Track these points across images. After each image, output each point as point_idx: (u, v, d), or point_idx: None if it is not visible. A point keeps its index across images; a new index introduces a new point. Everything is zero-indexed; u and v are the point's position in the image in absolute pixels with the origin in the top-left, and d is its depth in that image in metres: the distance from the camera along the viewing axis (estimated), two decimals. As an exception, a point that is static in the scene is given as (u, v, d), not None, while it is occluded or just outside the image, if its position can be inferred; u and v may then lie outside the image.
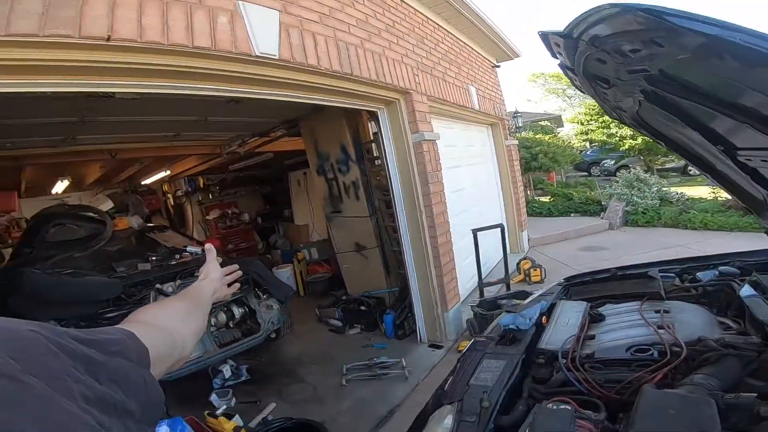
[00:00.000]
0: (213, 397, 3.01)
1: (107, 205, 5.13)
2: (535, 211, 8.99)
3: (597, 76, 1.44)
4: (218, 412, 2.63)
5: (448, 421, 1.32)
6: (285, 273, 5.97)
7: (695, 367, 1.21)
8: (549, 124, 15.81)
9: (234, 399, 3.06)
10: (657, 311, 1.62)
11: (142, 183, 7.61)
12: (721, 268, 1.84)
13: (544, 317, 1.87)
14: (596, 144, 15.64)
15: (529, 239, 6.85)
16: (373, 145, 4.04)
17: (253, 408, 2.93)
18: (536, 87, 29.43)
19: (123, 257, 3.83)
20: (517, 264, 5.04)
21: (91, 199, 5.42)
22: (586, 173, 16.36)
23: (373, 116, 3.60)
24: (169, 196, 8.26)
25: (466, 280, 4.40)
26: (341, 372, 3.29)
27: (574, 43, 1.25)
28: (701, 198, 8.12)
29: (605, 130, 13.79)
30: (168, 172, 7.02)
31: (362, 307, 4.34)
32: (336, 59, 2.68)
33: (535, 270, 4.88)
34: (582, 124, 15.50)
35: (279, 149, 5.72)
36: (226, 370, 3.39)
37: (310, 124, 4.38)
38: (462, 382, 1.53)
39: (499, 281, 4.10)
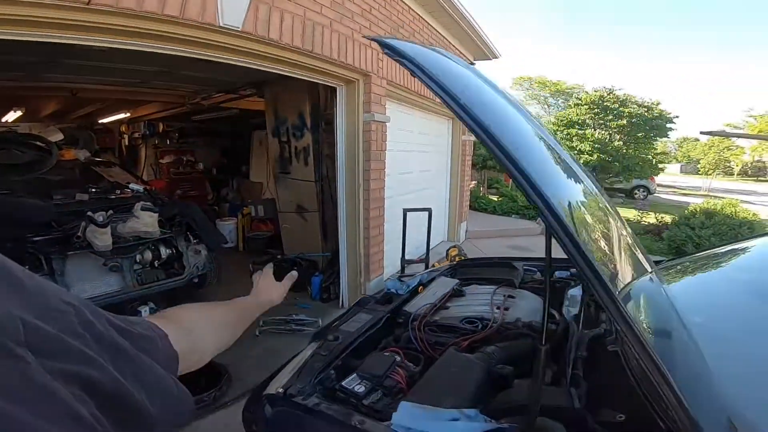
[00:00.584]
0: None
1: (57, 137, 5.03)
2: (481, 206, 9.52)
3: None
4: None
5: (308, 353, 1.63)
6: (228, 226, 6.12)
7: (497, 340, 1.58)
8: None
9: None
10: (505, 295, 1.99)
11: (99, 122, 7.41)
12: (573, 270, 2.23)
13: (420, 287, 2.22)
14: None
15: (467, 231, 7.31)
16: (332, 117, 4.23)
17: None
18: (520, 90, 30.12)
19: (63, 186, 3.84)
20: (447, 250, 5.44)
21: (42, 130, 5.28)
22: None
23: (332, 91, 3.78)
24: (125, 136, 8.08)
25: (396, 257, 4.74)
26: (257, 323, 3.53)
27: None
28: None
29: (567, 142, 14.54)
30: (128, 115, 6.92)
31: (294, 267, 4.61)
32: (299, 36, 2.84)
33: (460, 257, 5.30)
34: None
35: (245, 107, 5.79)
36: (145, 312, 3.40)
37: (274, 88, 4.50)
38: (334, 327, 1.86)
39: (420, 261, 4.47)
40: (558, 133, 15.04)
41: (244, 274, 4.94)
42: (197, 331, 0.56)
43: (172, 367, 0.43)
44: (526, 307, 1.88)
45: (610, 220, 1.66)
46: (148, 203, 3.39)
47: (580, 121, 14.09)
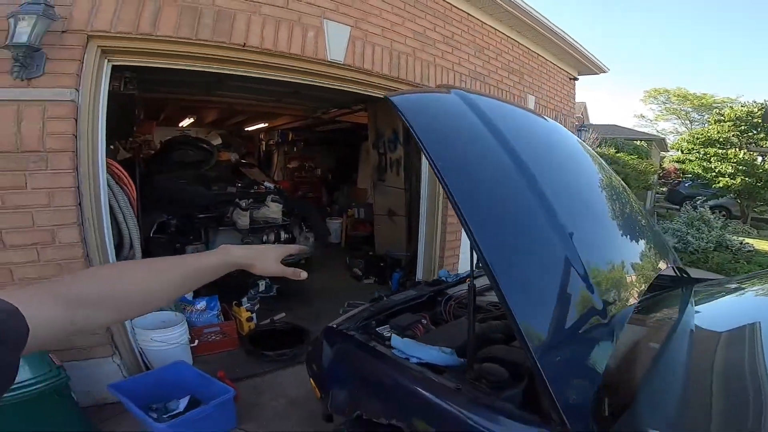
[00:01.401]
0: (243, 300, 3.77)
1: (217, 141, 6.64)
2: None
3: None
4: (244, 305, 3.62)
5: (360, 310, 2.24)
6: (335, 224, 7.14)
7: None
8: (644, 144, 14.90)
9: (258, 305, 3.91)
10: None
11: (245, 129, 9.28)
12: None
13: (468, 278, 2.67)
14: (690, 176, 14.50)
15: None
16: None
17: (269, 314, 3.93)
18: (655, 104, 27.04)
19: (219, 180, 5.10)
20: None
21: (207, 134, 6.98)
22: (677, 206, 15.28)
23: (420, 111, 4.38)
24: (263, 143, 9.89)
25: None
26: (343, 305, 4.17)
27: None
28: (766, 252, 7.65)
29: (703, 163, 12.81)
30: (266, 125, 8.56)
31: (381, 264, 5.32)
32: (387, 65, 3.53)
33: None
34: (682, 151, 14.45)
35: (356, 121, 6.76)
36: (262, 284, 4.23)
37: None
38: (387, 296, 2.46)
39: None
40: (694, 151, 13.32)
41: (341, 265, 5.87)
42: (97, 295, 0.57)
43: (21, 343, 0.42)
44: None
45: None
46: (276, 196, 4.42)
47: (721, 140, 12.28)
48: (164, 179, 4.22)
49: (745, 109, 12.18)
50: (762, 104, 11.87)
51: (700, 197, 14.33)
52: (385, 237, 5.59)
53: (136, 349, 2.76)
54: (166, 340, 2.82)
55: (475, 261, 1.50)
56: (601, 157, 8.98)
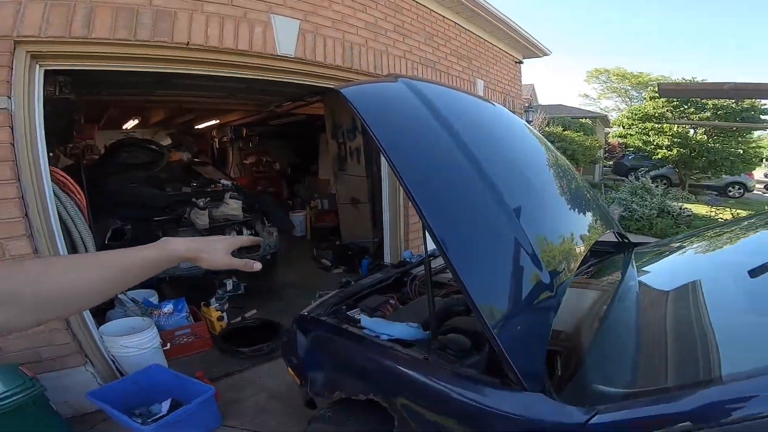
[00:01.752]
0: (212, 301, 3.69)
1: (167, 141, 6.38)
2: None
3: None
4: (213, 305, 3.58)
5: (329, 295, 2.30)
6: (299, 217, 7.09)
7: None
8: (589, 122, 15.70)
9: (227, 305, 3.81)
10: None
11: (196, 127, 8.94)
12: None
13: (431, 257, 2.79)
14: (631, 149, 15.48)
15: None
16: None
17: (240, 312, 3.92)
18: (596, 84, 28.41)
19: (173, 181, 4.95)
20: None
21: (154, 135, 6.69)
22: (623, 177, 16.27)
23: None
24: (216, 140, 9.58)
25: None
26: (314, 296, 4.30)
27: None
28: (703, 215, 8.38)
29: (643, 137, 13.70)
30: (217, 121, 8.28)
31: (349, 252, 5.38)
32: (340, 56, 3.53)
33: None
34: (623, 127, 15.36)
35: (312, 113, 6.70)
36: (229, 284, 4.18)
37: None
38: (356, 281, 2.52)
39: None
40: (633, 126, 14.20)
41: (308, 257, 5.87)
42: (17, 293, 0.51)
43: None
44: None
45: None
46: (234, 192, 4.34)
47: (657, 115, 13.17)
48: (114, 183, 4.04)
49: (675, 82, 13.07)
50: (690, 80, 12.81)
51: (643, 168, 15.41)
52: (351, 225, 5.63)
53: (107, 357, 2.70)
54: (137, 345, 2.77)
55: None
56: (549, 135, 9.41)
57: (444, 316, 1.85)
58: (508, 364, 1.14)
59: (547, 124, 10.50)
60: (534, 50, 6.79)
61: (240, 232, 4.41)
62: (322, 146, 8.50)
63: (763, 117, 11.75)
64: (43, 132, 2.24)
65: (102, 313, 3.20)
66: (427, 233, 1.32)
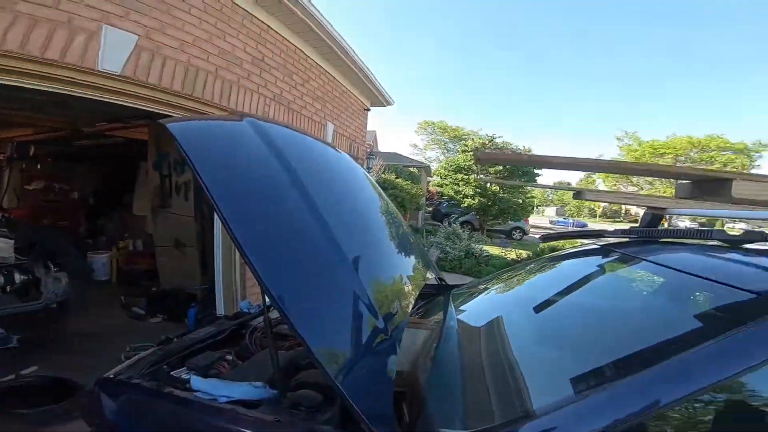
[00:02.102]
0: None
1: None
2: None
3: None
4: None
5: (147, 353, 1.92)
6: (101, 259, 5.85)
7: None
8: (416, 171, 18.00)
9: None
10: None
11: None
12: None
13: (270, 307, 2.64)
14: (445, 198, 18.35)
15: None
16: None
17: (10, 370, 2.88)
18: (424, 135, 33.03)
19: None
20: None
21: None
22: (439, 222, 18.93)
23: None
24: (-17, 158, 7.28)
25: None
26: (125, 349, 3.48)
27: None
28: (497, 255, 10.35)
29: (454, 186, 16.39)
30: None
31: (169, 300, 4.65)
32: (180, 81, 3.14)
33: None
34: (440, 177, 18.14)
35: (133, 137, 5.77)
36: None
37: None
38: (181, 335, 2.17)
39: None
40: (447, 177, 16.89)
41: (115, 304, 4.82)
42: None
43: None
44: None
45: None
46: (4, 230, 3.31)
47: (466, 167, 16.03)
48: None
49: (480, 141, 16.26)
50: (491, 137, 16.13)
51: (454, 215, 18.36)
52: (173, 270, 4.91)
53: None
54: None
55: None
56: (384, 182, 10.27)
57: (291, 370, 1.74)
58: (355, 410, 1.13)
59: (384, 171, 11.54)
60: (381, 99, 7.34)
61: (10, 278, 3.37)
62: (140, 176, 7.35)
63: (536, 172, 15.51)
64: None
65: None
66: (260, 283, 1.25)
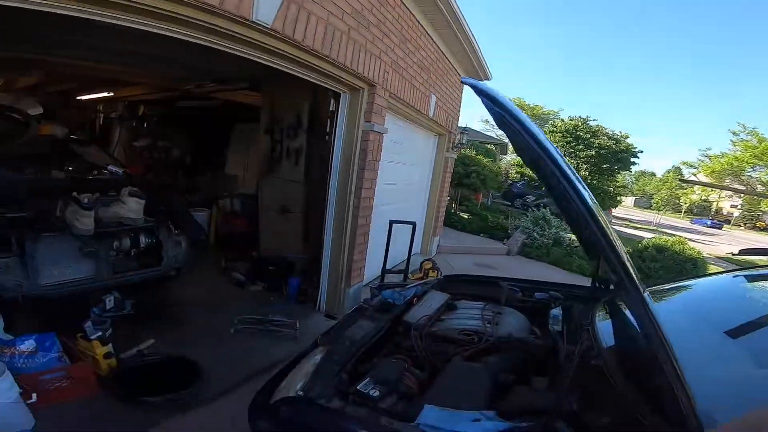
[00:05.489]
0: (87, 325, 2.75)
1: (36, 110, 4.72)
2: (452, 222, 9.82)
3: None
4: (92, 337, 2.60)
5: (317, 358, 1.68)
6: (201, 216, 5.95)
7: (494, 351, 1.72)
8: (494, 148, 17.00)
9: (110, 330, 2.85)
10: (494, 311, 2.14)
11: (77, 98, 7.02)
12: (551, 292, 2.42)
13: (415, 298, 2.33)
14: (526, 178, 17.22)
15: (438, 245, 7.52)
16: (329, 121, 4.27)
17: (130, 341, 2.91)
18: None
19: (40, 161, 3.62)
20: (421, 263, 5.61)
21: (20, 100, 4.93)
22: (510, 203, 17.92)
23: (336, 96, 3.80)
24: (101, 115, 7.70)
25: (375, 265, 4.80)
26: (232, 321, 3.46)
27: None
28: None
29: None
30: (111, 94, 6.60)
31: (270, 267, 4.58)
32: (320, 40, 2.86)
33: (433, 271, 5.45)
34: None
35: (234, 99, 5.70)
36: (109, 301, 3.27)
37: (272, 86, 4.50)
38: (338, 333, 1.91)
39: (399, 272, 4.58)
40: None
41: (214, 267, 4.85)
42: None
43: None
44: (514, 323, 2.05)
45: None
46: (136, 189, 3.27)
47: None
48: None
49: (572, 122, 14.91)
50: (584, 118, 14.73)
51: (530, 196, 17.23)
52: (275, 236, 4.83)
53: None
54: None
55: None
56: (465, 158, 9.69)
57: (493, 388, 1.43)
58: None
59: (466, 147, 10.90)
60: (481, 73, 6.73)
61: (136, 241, 3.35)
62: (234, 138, 7.43)
63: (632, 159, 14.00)
64: None
65: None
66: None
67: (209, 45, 2.38)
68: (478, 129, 23.13)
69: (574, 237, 9.62)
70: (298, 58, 2.86)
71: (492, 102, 1.25)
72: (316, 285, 4.15)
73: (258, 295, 4.33)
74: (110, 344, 2.62)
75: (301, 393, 1.37)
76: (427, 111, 5.30)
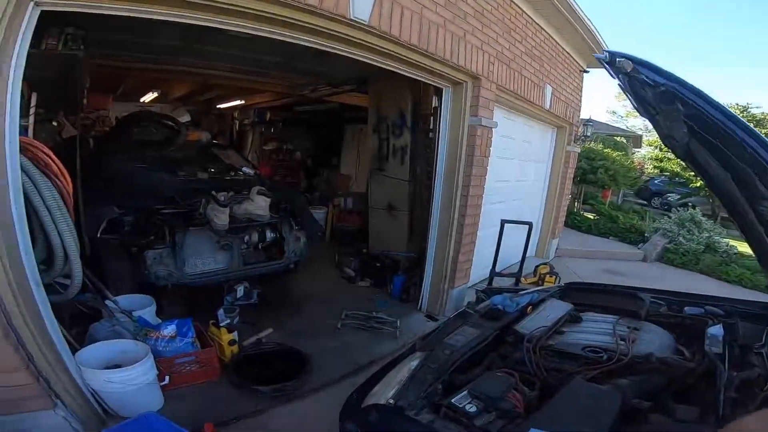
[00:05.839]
0: (220, 312, 3.16)
1: (185, 118, 5.65)
2: (574, 223, 8.84)
3: (644, 100, 1.52)
4: (221, 325, 2.92)
5: (414, 363, 1.59)
6: (319, 213, 6.40)
7: (628, 373, 1.41)
8: (624, 141, 14.94)
9: (238, 318, 3.24)
10: (629, 327, 1.79)
11: (218, 106, 8.25)
12: (707, 307, 1.95)
13: (530, 307, 2.09)
14: (667, 174, 14.72)
15: (557, 248, 6.83)
16: (431, 118, 4.20)
17: (252, 329, 3.18)
18: (625, 102, 27.57)
19: (187, 164, 4.20)
20: (536, 267, 5.14)
21: (173, 110, 5.98)
22: (645, 202, 15.52)
23: (438, 92, 3.72)
24: (237, 122, 8.88)
25: (482, 266, 4.55)
26: (340, 316, 3.60)
27: (616, 69, 1.37)
28: (751, 256, 7.64)
29: (682, 162, 12.94)
30: (242, 102, 7.59)
31: (378, 264, 4.66)
32: (416, 34, 2.82)
33: (551, 277, 4.95)
34: (660, 149, 14.59)
35: (344, 101, 6.00)
36: (240, 290, 3.61)
37: (377, 85, 4.59)
38: (438, 338, 1.80)
39: (510, 275, 4.25)
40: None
41: (328, 263, 5.13)
42: None
43: None
44: (656, 341, 1.71)
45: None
46: (263, 188, 3.61)
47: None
48: (116, 162, 3.32)
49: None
50: (744, 106, 12.07)
51: (670, 194, 14.67)
52: (382, 234, 4.92)
53: (87, 392, 2.10)
54: (126, 381, 2.13)
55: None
56: (590, 152, 8.67)
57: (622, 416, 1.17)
58: None
59: (590, 140, 9.80)
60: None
61: (263, 235, 3.71)
62: (346, 138, 7.84)
63: None
64: (17, 95, 1.55)
65: (83, 324, 2.52)
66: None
67: (314, 46, 2.50)
68: (603, 121, 20.58)
69: (732, 243, 7.89)
70: (396, 53, 2.85)
71: (657, 74, 1.10)
72: (419, 284, 4.09)
73: (365, 292, 4.45)
74: (235, 332, 2.91)
75: (391, 401, 1.30)
76: (542, 102, 4.89)
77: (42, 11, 1.60)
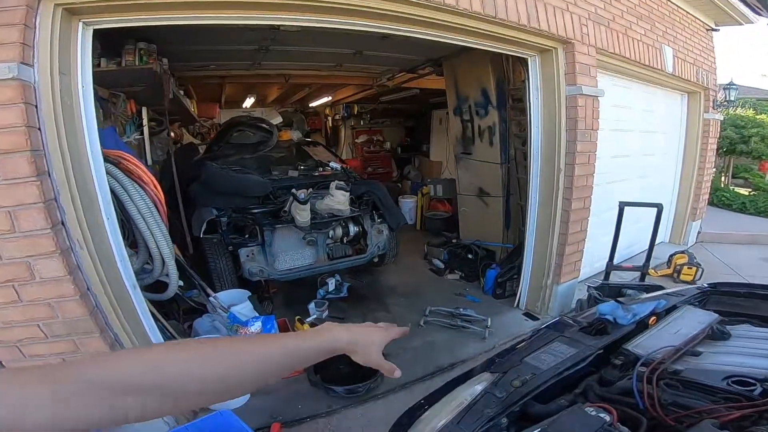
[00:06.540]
0: (311, 306, 3.25)
1: (277, 120, 6.02)
2: (722, 201, 7.26)
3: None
4: (308, 320, 2.95)
5: (478, 388, 1.30)
6: (409, 203, 6.28)
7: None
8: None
9: (327, 312, 3.27)
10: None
11: (310, 105, 8.67)
12: None
13: (654, 317, 1.62)
14: None
15: (699, 232, 5.64)
16: (520, 92, 3.73)
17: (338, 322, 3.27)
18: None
19: (280, 163, 4.40)
20: (670, 256, 4.28)
21: (266, 113, 6.44)
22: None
23: (523, 63, 3.25)
24: (329, 118, 9.26)
25: (597, 257, 3.91)
26: (424, 312, 3.42)
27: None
28: None
29: None
30: (330, 98, 7.86)
31: (469, 255, 4.34)
32: (478, 1, 2.45)
33: (690, 268, 4.07)
34: None
35: (425, 86, 5.76)
36: (331, 283, 3.69)
37: (452, 64, 4.26)
38: (519, 356, 1.48)
39: (634, 268, 3.57)
40: None
41: (417, 253, 4.98)
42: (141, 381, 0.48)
43: None
44: None
45: None
46: (341, 182, 3.60)
47: None
48: (211, 167, 3.58)
49: None
50: None
51: None
52: (474, 222, 4.58)
53: None
54: None
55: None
56: (739, 119, 7.17)
57: None
58: None
59: (736, 106, 7.97)
60: (732, 16, 4.91)
61: (346, 230, 3.71)
62: (434, 124, 7.59)
63: None
64: (92, 110, 1.65)
65: (194, 318, 2.77)
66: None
67: (379, 30, 2.30)
68: (751, 85, 16.42)
69: None
70: (458, 25, 2.51)
71: None
72: (517, 279, 3.68)
73: (453, 285, 4.18)
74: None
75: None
76: (662, 66, 4.07)
77: (96, 30, 1.69)
